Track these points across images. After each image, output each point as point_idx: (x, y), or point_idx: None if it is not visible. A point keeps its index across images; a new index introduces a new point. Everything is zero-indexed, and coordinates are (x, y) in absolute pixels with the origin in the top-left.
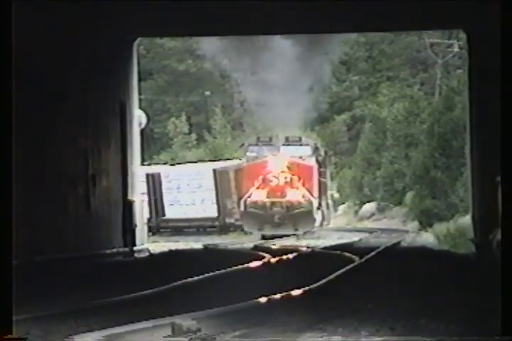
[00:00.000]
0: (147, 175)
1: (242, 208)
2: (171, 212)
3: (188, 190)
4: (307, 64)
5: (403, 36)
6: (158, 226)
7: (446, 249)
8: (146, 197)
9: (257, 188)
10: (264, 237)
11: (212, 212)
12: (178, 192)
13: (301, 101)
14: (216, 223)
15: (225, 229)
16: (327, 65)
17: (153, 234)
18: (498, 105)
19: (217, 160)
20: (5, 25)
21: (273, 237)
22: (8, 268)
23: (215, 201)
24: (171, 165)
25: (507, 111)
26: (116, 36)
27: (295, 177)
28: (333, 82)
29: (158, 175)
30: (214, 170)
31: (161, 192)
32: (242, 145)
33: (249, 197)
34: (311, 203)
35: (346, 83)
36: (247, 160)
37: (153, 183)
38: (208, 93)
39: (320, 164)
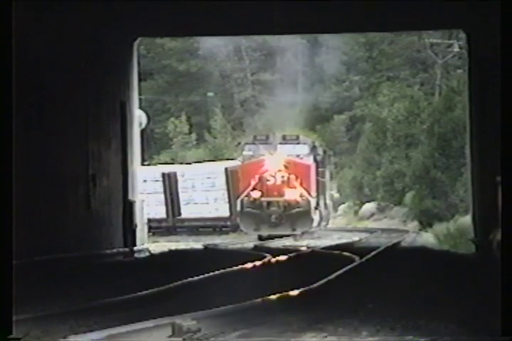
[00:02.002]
0: (163, 175)
1: (238, 208)
2: (186, 212)
3: (202, 189)
4: (307, 64)
5: (403, 36)
6: (175, 226)
7: (447, 249)
8: (162, 197)
9: (254, 187)
10: (260, 238)
11: (225, 212)
12: (194, 191)
13: (302, 101)
14: (228, 223)
15: (236, 229)
16: (327, 65)
17: (170, 233)
18: (498, 105)
19: (231, 159)
20: (5, 25)
21: (270, 238)
22: (8, 268)
23: (227, 200)
24: (187, 163)
25: (507, 111)
26: (117, 36)
27: (292, 177)
28: (333, 82)
29: (174, 174)
30: (226, 169)
31: (177, 192)
32: (239, 143)
33: (245, 196)
34: (308, 203)
35: (346, 83)
36: (244, 159)
37: (170, 182)
38: (211, 94)
39: (318, 163)
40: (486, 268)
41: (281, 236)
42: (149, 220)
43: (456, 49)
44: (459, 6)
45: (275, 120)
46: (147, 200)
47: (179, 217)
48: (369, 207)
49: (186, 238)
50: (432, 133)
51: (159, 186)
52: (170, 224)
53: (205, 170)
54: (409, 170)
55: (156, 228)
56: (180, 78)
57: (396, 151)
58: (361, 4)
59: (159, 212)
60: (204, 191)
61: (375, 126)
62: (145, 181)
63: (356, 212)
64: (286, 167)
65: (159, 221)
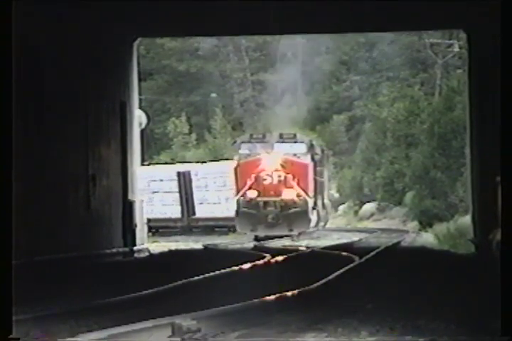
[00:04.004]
0: (178, 174)
1: (235, 208)
2: (200, 211)
3: (215, 188)
4: (307, 64)
5: (403, 36)
6: (190, 226)
7: (446, 249)
8: (177, 196)
9: (250, 187)
10: (257, 238)
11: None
12: (206, 190)
13: (302, 101)
14: None
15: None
16: (327, 65)
17: (184, 233)
18: (498, 105)
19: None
20: (5, 25)
21: (267, 238)
22: (8, 268)
23: None
24: (203, 162)
25: (507, 111)
26: (117, 36)
27: (289, 176)
28: (333, 81)
29: (189, 173)
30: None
31: (191, 191)
32: (235, 142)
33: (242, 196)
34: (306, 203)
35: (346, 83)
36: (240, 158)
37: (184, 182)
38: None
39: (316, 162)
40: (486, 268)
41: (278, 237)
42: (165, 220)
43: (456, 49)
44: (459, 6)
45: (275, 120)
46: (163, 199)
47: (194, 217)
48: (369, 207)
49: (186, 238)
50: (431, 133)
51: (175, 185)
52: (185, 224)
53: (217, 169)
54: (409, 170)
55: (172, 227)
56: (180, 78)
57: (396, 151)
58: (361, 4)
59: (175, 211)
60: (216, 191)
61: (375, 126)
62: (161, 180)
63: (356, 212)
64: (283, 166)
65: (175, 220)
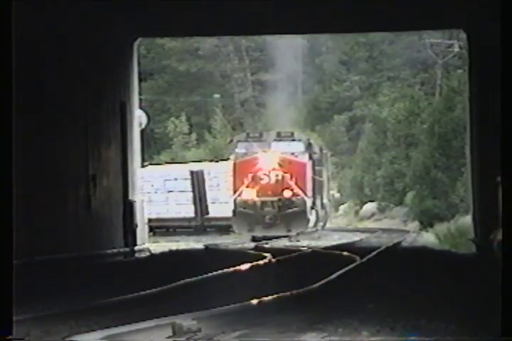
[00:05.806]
0: (191, 173)
1: (232, 208)
2: (212, 210)
3: (226, 187)
4: (307, 64)
5: (403, 36)
6: (203, 225)
7: (447, 249)
8: (191, 195)
9: (247, 187)
10: (254, 239)
11: None
12: (218, 190)
13: (302, 101)
14: None
15: None
16: (327, 65)
17: (197, 233)
18: (498, 105)
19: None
20: (5, 25)
21: (264, 239)
22: (8, 268)
23: None
24: (216, 161)
25: (507, 111)
26: (117, 36)
27: (287, 175)
28: (333, 82)
29: (202, 172)
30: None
31: (204, 190)
32: (231, 141)
33: (239, 196)
34: (304, 202)
35: (347, 83)
36: (236, 157)
37: (198, 181)
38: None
39: (314, 161)
40: (486, 268)
41: (276, 237)
42: (179, 219)
43: (456, 49)
44: (459, 6)
45: (275, 120)
46: (178, 199)
47: (207, 216)
48: (369, 207)
49: (186, 238)
50: (432, 133)
51: (189, 184)
52: (199, 223)
53: (229, 168)
54: (410, 170)
55: (186, 227)
56: (180, 78)
57: (396, 151)
58: (361, 4)
59: (189, 210)
60: (228, 189)
61: (376, 126)
62: (176, 179)
63: (357, 212)
64: (280, 165)
65: (189, 220)
